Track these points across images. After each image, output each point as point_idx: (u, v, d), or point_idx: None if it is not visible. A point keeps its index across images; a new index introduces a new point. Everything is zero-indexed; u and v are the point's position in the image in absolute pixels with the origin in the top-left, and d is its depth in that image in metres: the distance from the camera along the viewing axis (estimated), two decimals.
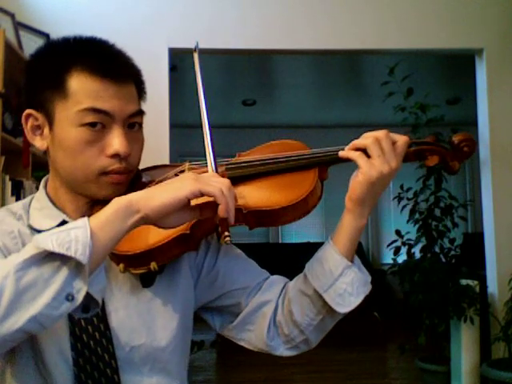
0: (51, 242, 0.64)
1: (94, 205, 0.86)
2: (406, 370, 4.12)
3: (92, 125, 0.81)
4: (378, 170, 0.84)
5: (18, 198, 2.29)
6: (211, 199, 0.74)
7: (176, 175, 0.91)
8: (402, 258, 3.67)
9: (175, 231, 0.82)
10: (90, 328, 0.84)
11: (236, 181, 0.87)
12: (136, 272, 0.85)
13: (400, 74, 3.43)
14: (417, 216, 3.59)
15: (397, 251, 3.62)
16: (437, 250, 3.54)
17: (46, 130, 0.86)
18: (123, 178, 0.86)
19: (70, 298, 0.64)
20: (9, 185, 2.25)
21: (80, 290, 0.65)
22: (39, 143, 0.87)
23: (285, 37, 3.31)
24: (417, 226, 3.59)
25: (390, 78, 3.41)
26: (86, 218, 0.68)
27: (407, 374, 4.08)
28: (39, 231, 0.84)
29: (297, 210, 0.87)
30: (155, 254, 0.83)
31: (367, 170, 0.84)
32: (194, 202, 0.75)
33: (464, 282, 3.41)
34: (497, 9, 3.42)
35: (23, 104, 0.89)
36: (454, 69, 5.00)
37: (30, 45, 2.83)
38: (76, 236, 0.65)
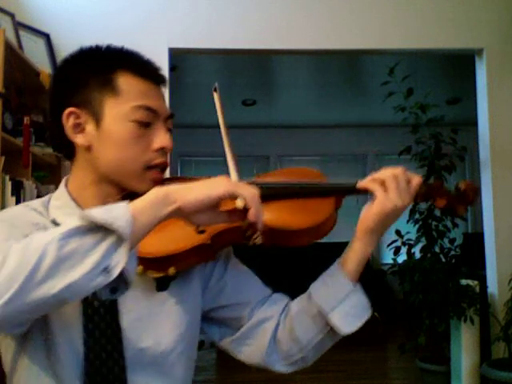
0: (96, 215, 0.67)
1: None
2: (406, 369, 4.12)
3: (142, 121, 0.88)
4: (393, 203, 0.89)
5: (17, 198, 2.28)
6: (240, 207, 0.78)
7: None
8: (402, 258, 3.66)
9: (197, 240, 0.86)
10: (102, 325, 0.86)
11: None
12: (154, 275, 0.87)
13: (400, 74, 3.43)
14: (417, 216, 3.58)
15: (397, 251, 3.62)
16: (437, 249, 3.54)
17: (90, 127, 0.88)
18: (161, 177, 0.92)
19: (106, 271, 0.67)
20: (9, 185, 2.25)
21: (118, 263, 0.67)
22: (81, 140, 0.89)
23: (285, 37, 3.31)
24: (417, 226, 3.59)
25: (389, 78, 3.41)
26: (125, 202, 0.71)
27: (407, 374, 4.08)
28: None
29: (312, 234, 0.92)
30: (175, 260, 0.86)
31: (383, 202, 0.90)
32: (223, 208, 0.79)
33: (464, 281, 3.41)
34: (497, 9, 3.42)
35: (54, 105, 0.91)
36: (454, 69, 5.00)
37: (30, 45, 2.83)
38: (118, 214, 0.68)
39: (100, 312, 0.86)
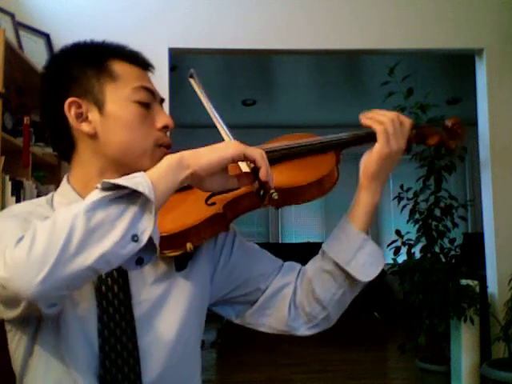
0: (121, 182, 0.70)
1: None
2: (406, 369, 4.12)
3: (143, 101, 0.91)
4: (391, 147, 0.94)
5: (17, 198, 2.29)
6: (248, 169, 0.83)
7: None
8: (402, 258, 3.66)
9: (209, 211, 0.90)
10: (117, 316, 0.87)
11: None
12: (172, 254, 0.89)
13: (400, 74, 3.43)
14: (417, 216, 3.58)
15: (397, 251, 3.62)
16: (437, 249, 3.54)
17: (93, 115, 0.90)
18: (169, 153, 0.94)
19: (135, 238, 0.69)
20: (9, 185, 2.25)
21: (146, 229, 0.70)
22: (87, 128, 0.90)
23: (285, 37, 3.31)
24: (417, 226, 3.58)
25: (389, 78, 3.41)
26: (141, 172, 0.73)
27: (407, 373, 4.08)
28: None
29: (318, 188, 0.95)
30: (191, 234, 0.88)
31: (383, 147, 0.94)
32: (232, 173, 0.84)
33: (464, 281, 3.41)
34: (497, 9, 3.42)
35: (50, 100, 0.93)
36: (454, 69, 5.00)
37: (30, 45, 2.83)
38: (138, 182, 0.70)
39: (114, 303, 0.87)
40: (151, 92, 0.92)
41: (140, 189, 0.69)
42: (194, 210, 0.90)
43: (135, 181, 0.70)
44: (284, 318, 1.00)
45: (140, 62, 0.94)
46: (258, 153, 0.80)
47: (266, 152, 0.92)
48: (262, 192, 0.84)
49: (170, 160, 0.76)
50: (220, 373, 4.33)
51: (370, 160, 0.96)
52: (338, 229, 0.99)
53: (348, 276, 0.95)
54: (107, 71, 0.90)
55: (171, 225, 0.87)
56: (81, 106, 0.89)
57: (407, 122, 0.97)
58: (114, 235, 0.68)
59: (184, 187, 0.89)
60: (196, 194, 0.91)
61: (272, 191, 0.82)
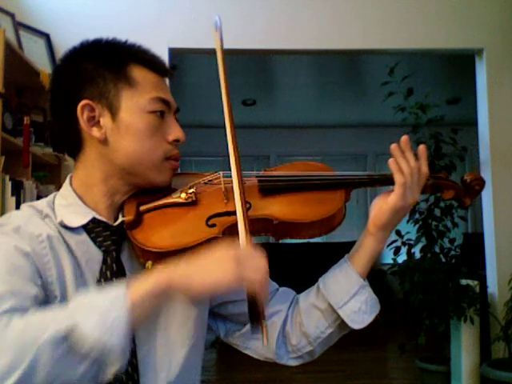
0: (92, 326, 0.66)
1: (125, 202, 0.90)
2: (406, 369, 4.12)
3: (157, 112, 0.89)
4: (406, 201, 0.90)
5: (18, 198, 2.28)
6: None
7: (206, 183, 0.95)
8: (402, 258, 3.66)
9: (208, 234, 0.86)
10: None
11: (267, 192, 0.93)
12: None
13: (400, 74, 3.43)
14: (417, 216, 3.58)
15: (397, 251, 3.62)
16: (437, 249, 3.54)
17: (105, 120, 0.87)
18: (178, 165, 0.94)
19: (97, 376, 0.67)
20: (9, 185, 2.25)
21: (106, 375, 0.68)
22: (97, 134, 0.87)
23: (286, 37, 3.31)
24: (417, 225, 3.59)
25: (390, 78, 3.41)
26: (123, 292, 0.69)
27: (407, 374, 4.08)
28: (70, 228, 0.87)
29: (323, 226, 0.91)
30: (185, 254, 0.84)
31: (398, 199, 0.90)
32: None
33: (464, 281, 3.41)
34: (497, 9, 3.42)
35: (61, 99, 0.90)
36: (454, 69, 5.00)
37: (30, 45, 2.83)
38: (114, 323, 0.66)
39: None
40: (167, 103, 0.90)
41: (107, 346, 0.65)
42: (193, 229, 0.87)
43: (109, 323, 0.66)
44: (271, 344, 0.98)
45: (160, 69, 0.92)
46: (257, 277, 0.74)
47: (276, 180, 0.90)
48: (254, 320, 0.78)
49: (156, 283, 0.71)
50: (220, 373, 4.33)
51: (382, 210, 0.92)
52: (337, 268, 0.97)
53: (339, 318, 0.94)
54: (126, 77, 0.87)
55: (167, 241, 0.85)
56: (94, 110, 0.87)
57: (426, 172, 0.92)
58: (76, 372, 0.66)
59: (188, 203, 0.88)
60: (199, 210, 0.89)
61: (265, 324, 0.78)
